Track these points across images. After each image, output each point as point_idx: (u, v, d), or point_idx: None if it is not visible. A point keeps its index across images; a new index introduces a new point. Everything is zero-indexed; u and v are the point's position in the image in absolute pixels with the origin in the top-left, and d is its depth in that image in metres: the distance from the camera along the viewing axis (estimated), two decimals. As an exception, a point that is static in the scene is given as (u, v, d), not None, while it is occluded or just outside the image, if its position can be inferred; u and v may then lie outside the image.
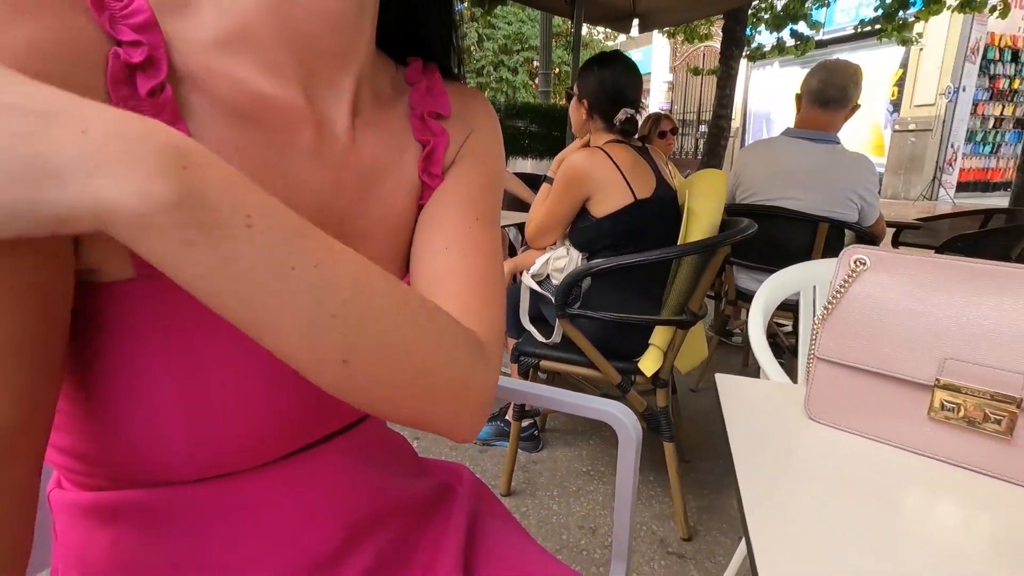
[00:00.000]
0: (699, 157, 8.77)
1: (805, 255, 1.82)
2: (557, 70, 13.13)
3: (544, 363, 1.46)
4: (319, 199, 0.39)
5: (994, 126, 10.87)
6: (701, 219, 1.38)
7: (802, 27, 5.96)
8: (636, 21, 4.13)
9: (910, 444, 0.48)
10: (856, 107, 1.82)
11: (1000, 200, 8.91)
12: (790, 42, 6.11)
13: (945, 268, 0.46)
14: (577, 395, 0.67)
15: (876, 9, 5.40)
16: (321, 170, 0.39)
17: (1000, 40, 10.16)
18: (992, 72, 10.37)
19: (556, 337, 1.45)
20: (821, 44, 8.24)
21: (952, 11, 5.04)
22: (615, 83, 1.44)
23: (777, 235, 1.84)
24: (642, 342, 1.39)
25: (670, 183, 1.50)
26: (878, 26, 5.52)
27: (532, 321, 1.55)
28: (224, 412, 0.36)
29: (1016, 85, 10.61)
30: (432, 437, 1.82)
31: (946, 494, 0.44)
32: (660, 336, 1.37)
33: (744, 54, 5.81)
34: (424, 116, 0.46)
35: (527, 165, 6.67)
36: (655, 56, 16.21)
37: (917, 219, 2.48)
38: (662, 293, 1.43)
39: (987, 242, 1.96)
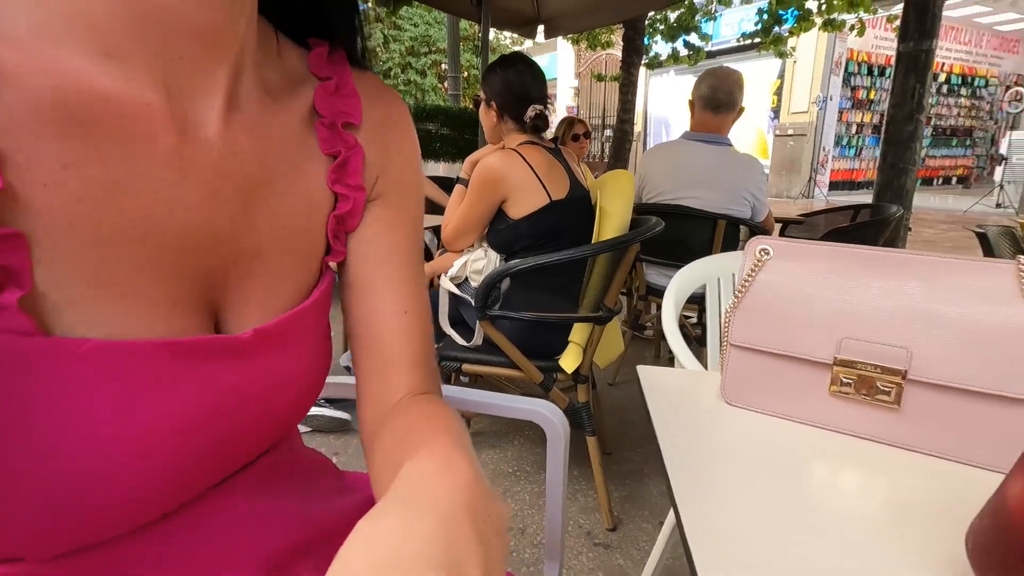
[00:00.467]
0: (605, 160, 9.14)
1: (706, 250, 1.94)
2: (466, 73, 13.15)
3: (466, 366, 1.44)
4: (190, 219, 0.32)
5: (856, 132, 12.26)
6: (613, 218, 1.42)
7: (693, 38, 6.46)
8: (541, 27, 4.23)
9: (816, 420, 0.52)
10: (742, 110, 1.97)
11: (865, 197, 10.06)
12: (683, 52, 6.59)
13: (839, 255, 0.50)
14: (505, 396, 0.66)
15: (756, 24, 5.97)
16: (188, 184, 0.32)
17: (858, 55, 11.51)
18: (853, 84, 11.71)
19: (477, 340, 1.44)
20: (711, 54, 8.88)
21: (819, 29, 5.66)
22: (520, 81, 1.46)
23: (681, 232, 1.94)
24: (562, 340, 1.41)
25: (583, 183, 1.54)
26: (758, 39, 6.11)
27: (452, 325, 1.53)
28: (86, 480, 0.29)
29: (872, 96, 12.04)
30: (352, 451, 1.74)
31: (849, 464, 0.47)
32: (579, 333, 1.40)
33: (643, 62, 6.18)
34: (334, 125, 0.40)
35: (439, 168, 6.61)
36: (560, 62, 16.70)
37: (799, 215, 2.73)
38: (579, 291, 1.46)
39: (857, 234, 2.19)
